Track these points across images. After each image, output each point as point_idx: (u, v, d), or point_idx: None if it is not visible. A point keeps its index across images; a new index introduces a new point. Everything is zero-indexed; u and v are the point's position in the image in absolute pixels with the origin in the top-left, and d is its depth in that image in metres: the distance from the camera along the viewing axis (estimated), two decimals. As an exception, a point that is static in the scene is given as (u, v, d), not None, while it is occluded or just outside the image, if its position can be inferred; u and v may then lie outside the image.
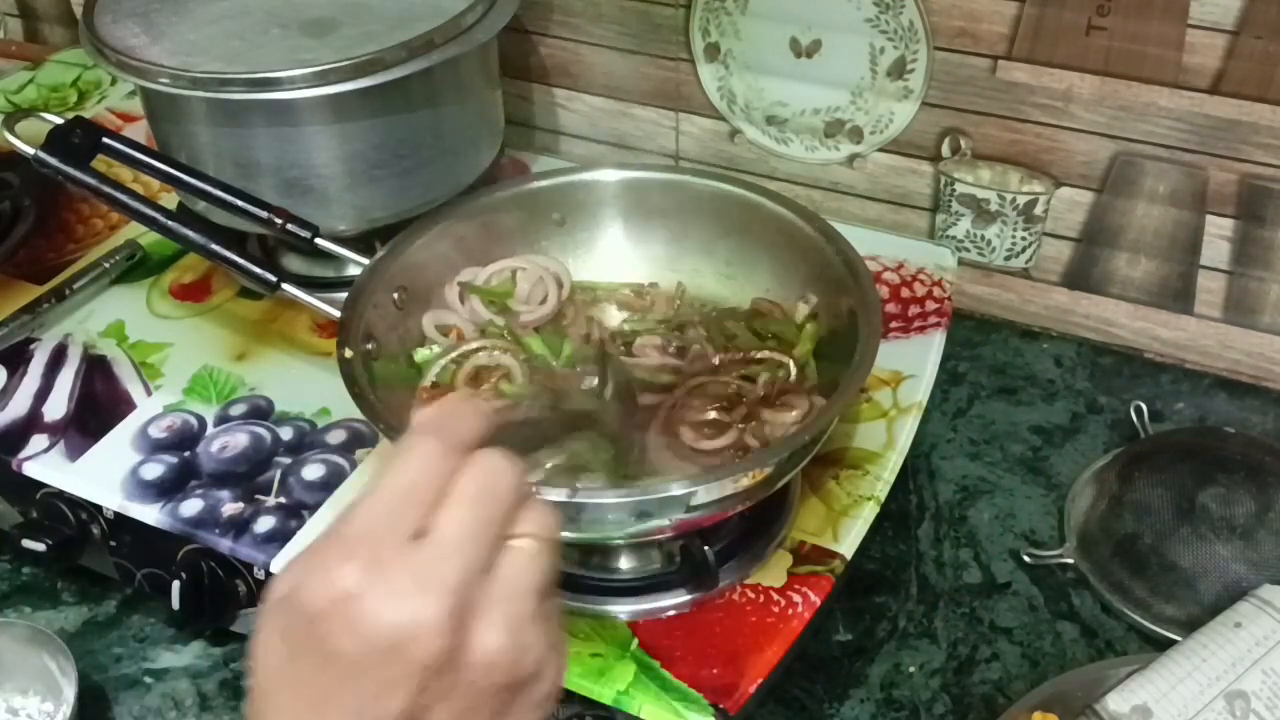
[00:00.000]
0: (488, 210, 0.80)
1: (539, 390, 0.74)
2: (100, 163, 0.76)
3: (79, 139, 0.71)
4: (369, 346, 0.70)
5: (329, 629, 0.39)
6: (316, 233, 0.76)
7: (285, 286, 0.70)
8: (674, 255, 0.82)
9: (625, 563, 0.71)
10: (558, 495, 0.60)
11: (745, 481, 0.63)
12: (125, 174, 0.86)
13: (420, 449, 0.42)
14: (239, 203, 0.76)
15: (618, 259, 0.82)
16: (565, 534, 0.64)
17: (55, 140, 0.74)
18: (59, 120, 0.77)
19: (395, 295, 0.74)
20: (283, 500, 0.74)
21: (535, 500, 0.44)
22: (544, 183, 0.82)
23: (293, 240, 0.76)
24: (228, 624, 0.77)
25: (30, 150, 0.74)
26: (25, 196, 0.99)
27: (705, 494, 0.62)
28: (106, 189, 0.72)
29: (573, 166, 0.85)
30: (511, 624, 0.41)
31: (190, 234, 0.71)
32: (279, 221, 0.75)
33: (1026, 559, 0.79)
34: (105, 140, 0.74)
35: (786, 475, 0.67)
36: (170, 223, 0.72)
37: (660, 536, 0.68)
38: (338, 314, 0.70)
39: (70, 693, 0.70)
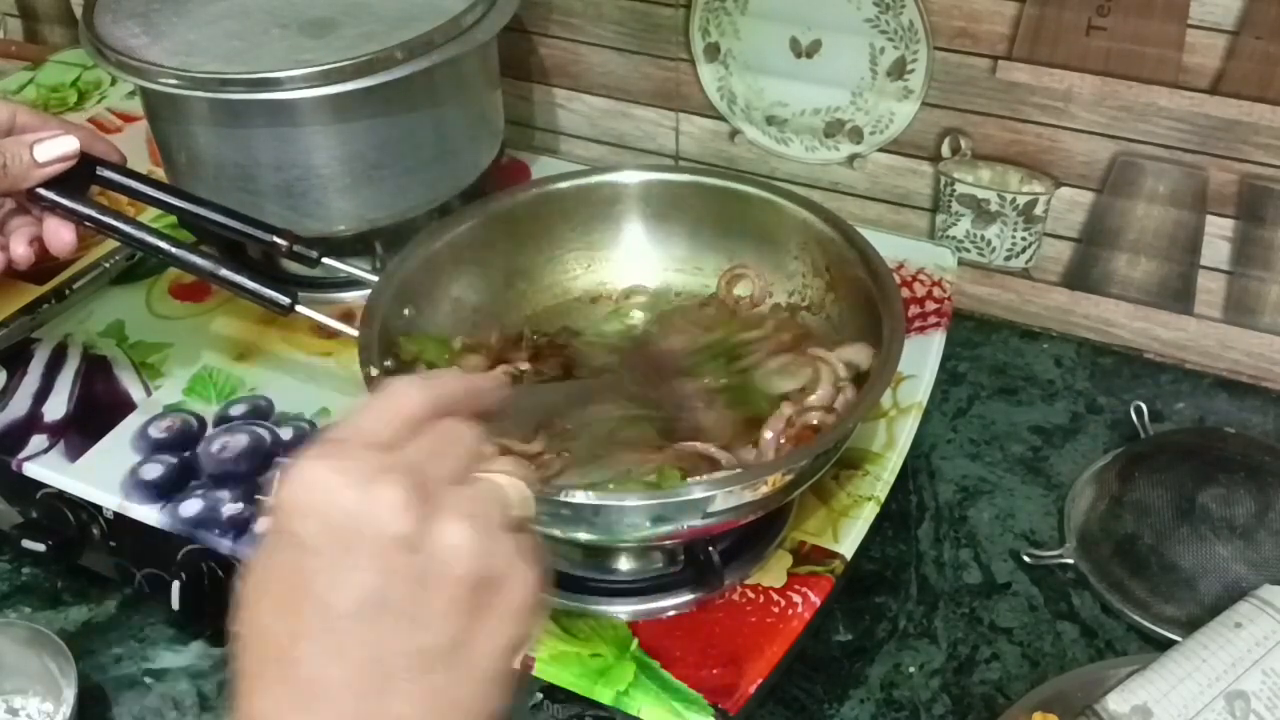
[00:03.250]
0: (493, 219, 0.80)
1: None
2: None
3: (74, 170, 0.71)
4: (388, 364, 0.70)
5: (299, 520, 0.40)
6: (320, 257, 0.75)
7: (299, 308, 0.70)
8: (693, 256, 0.82)
9: (626, 564, 0.71)
10: (576, 497, 0.60)
11: (764, 489, 0.63)
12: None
13: (405, 389, 0.44)
14: (242, 226, 0.75)
15: (635, 262, 0.83)
16: (579, 535, 0.65)
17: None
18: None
19: (406, 311, 0.74)
20: (283, 500, 0.74)
21: (505, 458, 0.45)
22: (549, 188, 0.82)
23: (297, 261, 0.76)
24: (228, 624, 0.76)
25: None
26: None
27: (723, 500, 0.62)
28: (108, 220, 0.71)
29: (582, 170, 0.85)
30: (476, 523, 0.41)
31: (199, 262, 0.70)
32: (284, 244, 0.74)
33: (1026, 559, 0.79)
34: (100, 173, 0.73)
35: (807, 481, 0.67)
36: (178, 251, 0.71)
37: (671, 542, 0.68)
38: (355, 333, 0.70)
39: (70, 693, 0.70)
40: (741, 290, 0.81)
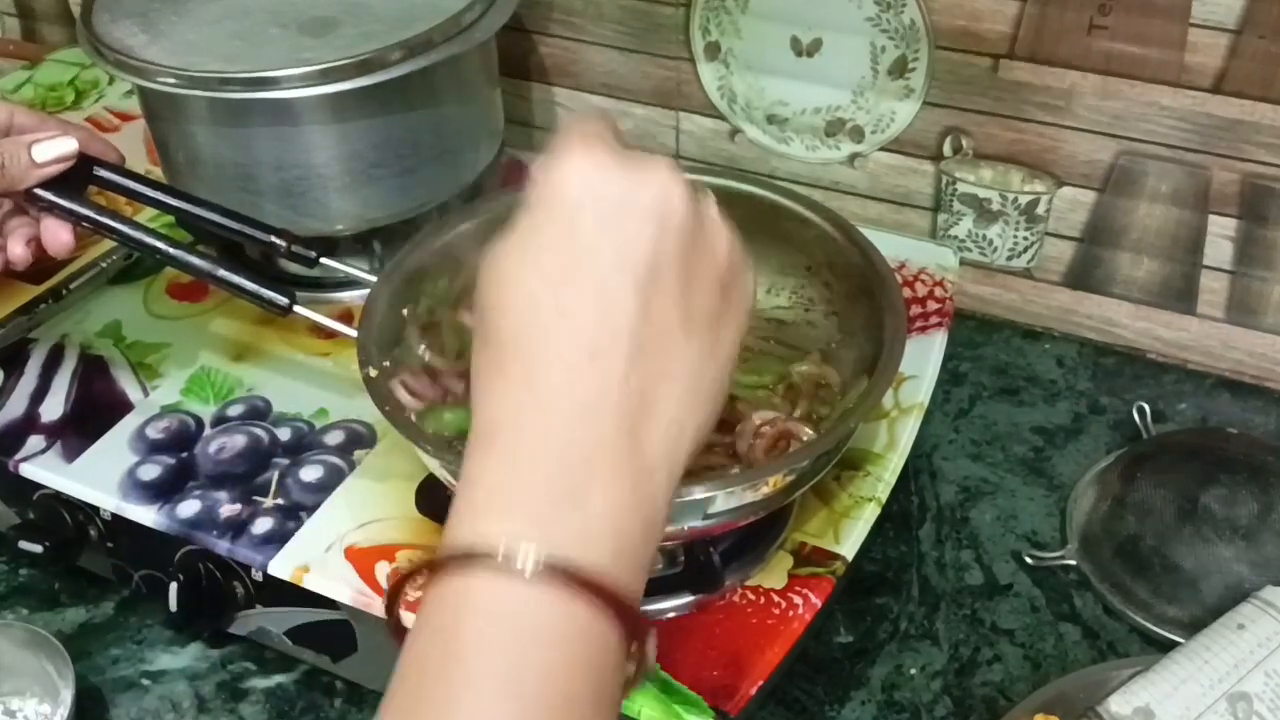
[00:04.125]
0: (493, 218, 0.80)
1: None
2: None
3: (72, 170, 0.71)
4: (386, 364, 0.69)
5: (577, 193, 0.43)
6: (319, 257, 0.75)
7: (298, 309, 0.70)
8: None
9: (625, 564, 0.71)
10: None
11: (765, 489, 0.63)
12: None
13: (596, 116, 0.47)
14: (240, 227, 0.75)
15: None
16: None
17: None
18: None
19: (405, 311, 0.73)
20: (280, 501, 0.74)
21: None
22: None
23: (296, 261, 0.75)
24: (226, 626, 0.76)
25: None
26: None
27: (724, 501, 0.61)
28: (106, 220, 0.71)
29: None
30: (720, 216, 0.46)
31: (197, 262, 0.70)
32: (282, 244, 0.74)
33: (1028, 560, 0.79)
34: (98, 172, 0.73)
35: (808, 482, 0.67)
36: (175, 251, 0.70)
37: (670, 544, 0.68)
38: (354, 333, 0.70)
39: (68, 695, 0.70)
40: None
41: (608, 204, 0.42)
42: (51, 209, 0.70)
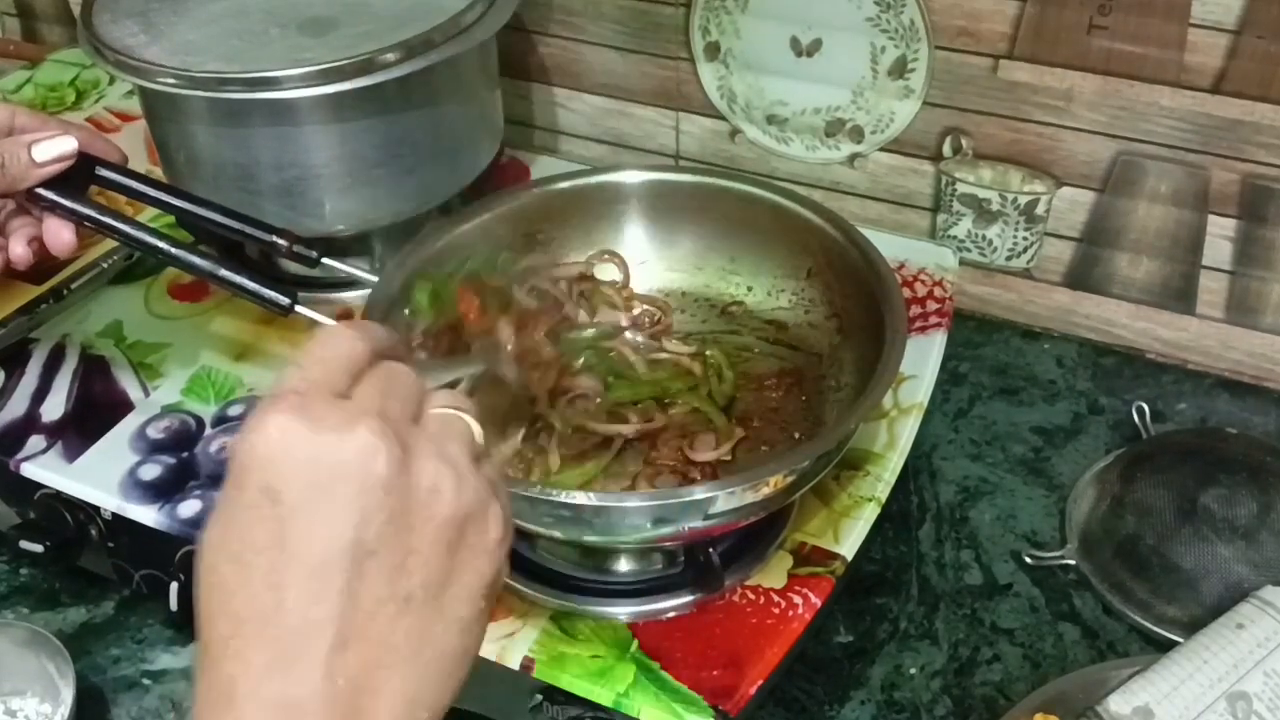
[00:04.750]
0: (493, 219, 0.80)
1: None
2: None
3: (73, 170, 0.71)
4: None
5: (270, 472, 0.39)
6: (320, 257, 0.75)
7: (299, 309, 0.70)
8: (693, 256, 0.82)
9: (626, 565, 0.71)
10: (577, 498, 0.60)
11: (766, 490, 0.63)
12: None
13: (342, 333, 0.43)
14: (241, 227, 0.75)
15: (635, 262, 0.82)
16: (578, 537, 0.65)
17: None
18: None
19: (406, 311, 0.73)
20: (281, 501, 0.74)
21: (443, 391, 0.45)
22: (549, 188, 0.82)
23: (296, 261, 0.75)
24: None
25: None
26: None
27: (724, 501, 0.62)
28: (107, 220, 0.71)
29: (582, 170, 0.85)
30: (446, 458, 0.41)
31: (198, 262, 0.70)
32: (284, 244, 0.74)
33: (1028, 560, 0.79)
34: (99, 172, 0.73)
35: (808, 483, 0.67)
36: (177, 251, 0.70)
37: (671, 544, 0.68)
38: None
39: (68, 694, 0.70)
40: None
41: (294, 488, 0.39)
42: (53, 209, 0.70)
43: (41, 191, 0.70)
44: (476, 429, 0.44)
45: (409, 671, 0.40)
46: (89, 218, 0.71)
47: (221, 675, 0.38)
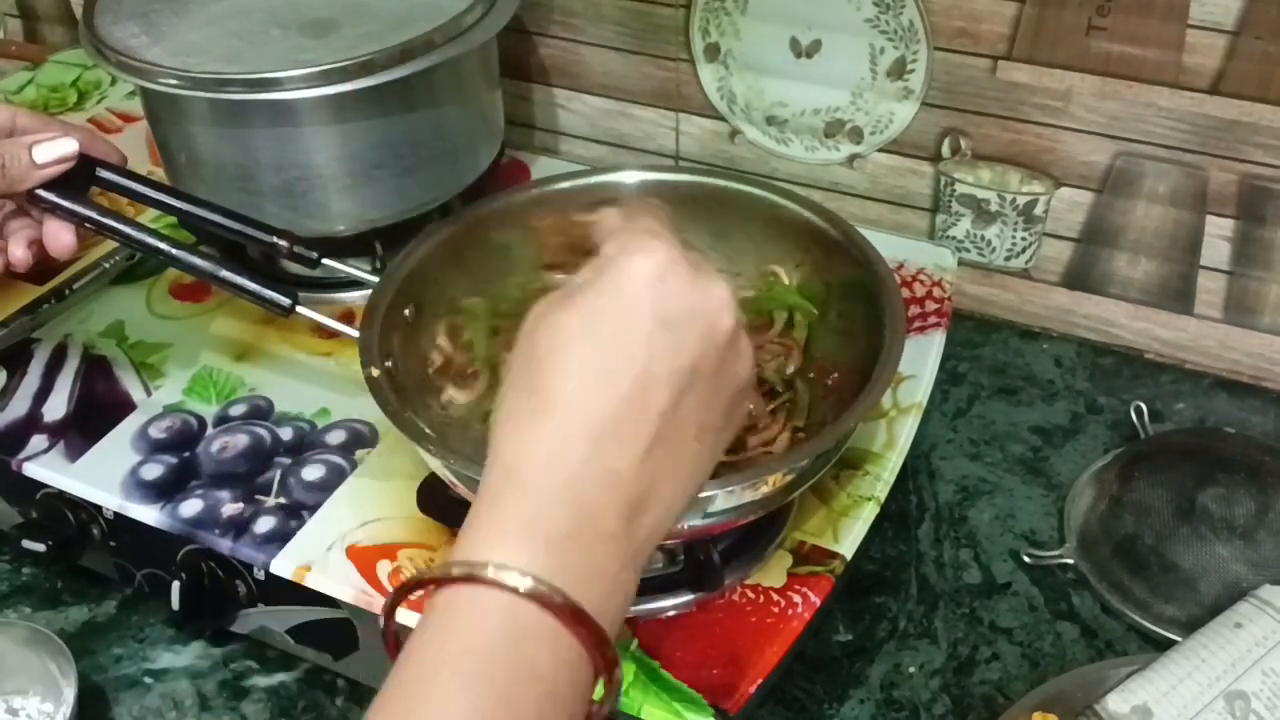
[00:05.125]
0: (493, 219, 0.80)
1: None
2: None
3: (74, 171, 0.71)
4: (388, 364, 0.70)
5: (649, 286, 0.47)
6: (321, 257, 0.75)
7: (300, 309, 0.70)
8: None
9: (625, 563, 0.71)
10: None
11: (765, 489, 0.63)
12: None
13: (659, 208, 0.54)
14: (242, 228, 0.75)
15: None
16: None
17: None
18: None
19: (406, 312, 0.74)
20: (282, 501, 0.74)
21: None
22: (549, 188, 0.82)
23: (297, 262, 0.76)
24: (228, 624, 0.77)
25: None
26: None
27: (723, 499, 0.62)
28: (108, 221, 0.71)
29: (582, 170, 0.85)
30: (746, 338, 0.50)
31: (199, 263, 0.70)
32: (284, 245, 0.74)
33: (1026, 559, 0.79)
34: (100, 173, 0.73)
35: (808, 481, 0.67)
36: (178, 252, 0.70)
37: (671, 543, 0.68)
38: (356, 333, 0.70)
39: (70, 693, 0.70)
40: None
41: (670, 308, 0.46)
42: (54, 210, 0.70)
43: (42, 193, 0.70)
44: None
45: (679, 486, 0.47)
46: (90, 219, 0.71)
47: (559, 434, 0.45)
